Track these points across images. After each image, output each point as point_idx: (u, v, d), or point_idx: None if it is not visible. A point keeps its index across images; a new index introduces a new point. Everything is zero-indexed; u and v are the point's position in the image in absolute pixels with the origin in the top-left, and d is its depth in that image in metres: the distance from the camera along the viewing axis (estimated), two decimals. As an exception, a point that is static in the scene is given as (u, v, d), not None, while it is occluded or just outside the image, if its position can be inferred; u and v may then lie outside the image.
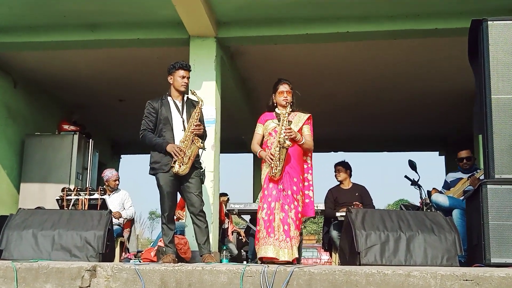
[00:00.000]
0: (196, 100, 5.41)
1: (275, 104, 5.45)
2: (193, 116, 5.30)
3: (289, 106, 5.30)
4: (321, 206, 6.95)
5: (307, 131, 5.41)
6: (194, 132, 5.20)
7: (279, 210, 5.13)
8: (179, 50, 7.17)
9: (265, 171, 5.29)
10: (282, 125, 5.19)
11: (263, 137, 5.43)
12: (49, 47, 7.71)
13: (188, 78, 5.41)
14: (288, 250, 5.01)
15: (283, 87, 5.38)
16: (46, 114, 9.90)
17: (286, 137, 5.09)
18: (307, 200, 5.38)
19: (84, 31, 7.35)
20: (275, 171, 5.10)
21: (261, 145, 5.42)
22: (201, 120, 5.42)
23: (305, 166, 5.41)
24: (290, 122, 5.29)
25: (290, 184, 5.15)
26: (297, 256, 5.08)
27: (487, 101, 4.57)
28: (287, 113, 5.26)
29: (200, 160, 5.42)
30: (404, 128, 11.90)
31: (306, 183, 5.39)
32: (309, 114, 5.45)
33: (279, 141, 5.10)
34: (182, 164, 5.11)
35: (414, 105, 10.30)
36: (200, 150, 5.31)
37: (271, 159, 5.12)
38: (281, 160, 5.09)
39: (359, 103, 10.28)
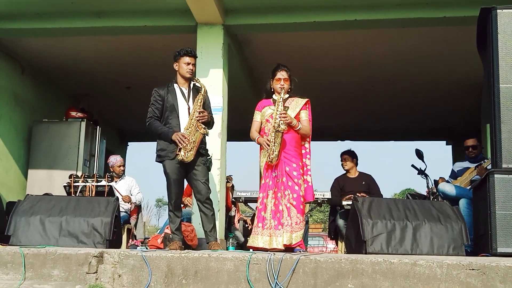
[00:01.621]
0: (200, 87, 5.40)
1: (272, 90, 5.42)
2: (196, 102, 5.28)
3: (283, 92, 5.26)
4: (328, 195, 6.95)
5: (305, 116, 5.35)
6: (198, 119, 5.20)
7: (271, 198, 5.13)
8: (186, 38, 7.14)
9: (263, 160, 5.26)
10: (277, 110, 5.17)
11: (262, 124, 5.41)
12: (56, 34, 7.71)
13: (194, 64, 5.39)
14: (276, 238, 5.00)
15: (281, 74, 5.32)
16: (53, 101, 9.92)
17: (281, 121, 5.06)
18: (305, 185, 5.35)
19: (91, 18, 7.33)
20: (272, 156, 5.08)
21: (259, 132, 5.40)
22: (207, 106, 5.41)
23: (303, 151, 5.35)
24: (286, 108, 5.23)
25: (290, 170, 5.12)
26: (291, 242, 4.95)
27: (496, 90, 4.53)
28: (281, 98, 5.24)
29: (207, 148, 5.43)
30: (412, 117, 11.83)
31: (304, 168, 5.34)
32: (306, 99, 5.38)
33: (273, 125, 5.09)
34: (187, 151, 5.11)
35: (422, 94, 10.25)
36: (206, 137, 5.31)
37: (268, 145, 5.11)
38: (277, 145, 5.07)
39: (367, 92, 10.24)
